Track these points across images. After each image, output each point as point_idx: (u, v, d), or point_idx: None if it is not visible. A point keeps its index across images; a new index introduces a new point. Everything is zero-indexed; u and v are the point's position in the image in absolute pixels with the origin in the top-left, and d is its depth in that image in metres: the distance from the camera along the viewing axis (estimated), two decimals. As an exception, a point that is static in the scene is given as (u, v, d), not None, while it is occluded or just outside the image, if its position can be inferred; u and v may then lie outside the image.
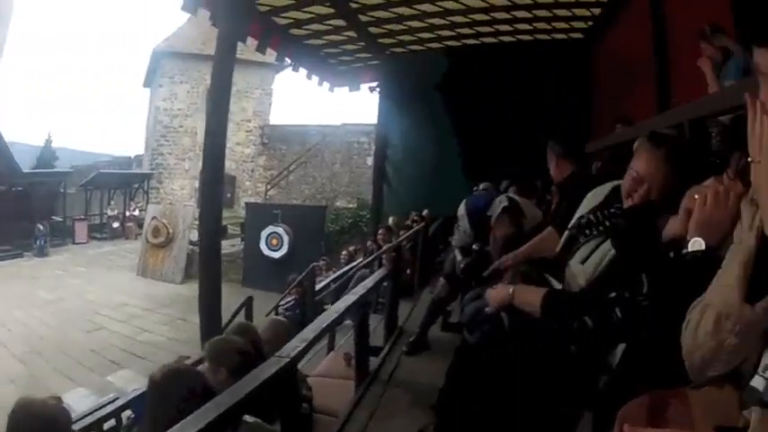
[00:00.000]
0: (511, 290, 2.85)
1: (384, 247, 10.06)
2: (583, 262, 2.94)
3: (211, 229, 7.78)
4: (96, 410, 7.71)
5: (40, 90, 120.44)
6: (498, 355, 2.67)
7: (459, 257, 5.49)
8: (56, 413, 3.66)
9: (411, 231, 10.12)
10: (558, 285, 3.08)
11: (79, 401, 9.43)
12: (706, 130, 4.06)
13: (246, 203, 23.80)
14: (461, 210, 5.74)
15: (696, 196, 1.76)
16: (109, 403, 7.97)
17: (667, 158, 2.58)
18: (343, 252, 15.86)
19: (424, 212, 12.02)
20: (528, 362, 2.48)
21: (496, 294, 2.95)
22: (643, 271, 2.17)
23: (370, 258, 9.98)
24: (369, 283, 5.63)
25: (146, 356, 14.72)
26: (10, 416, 3.57)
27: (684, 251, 1.76)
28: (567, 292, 2.93)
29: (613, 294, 2.15)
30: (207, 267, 7.67)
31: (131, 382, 12.14)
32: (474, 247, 5.34)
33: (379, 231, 12.09)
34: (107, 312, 19.00)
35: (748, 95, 1.30)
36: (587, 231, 3.02)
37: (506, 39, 12.57)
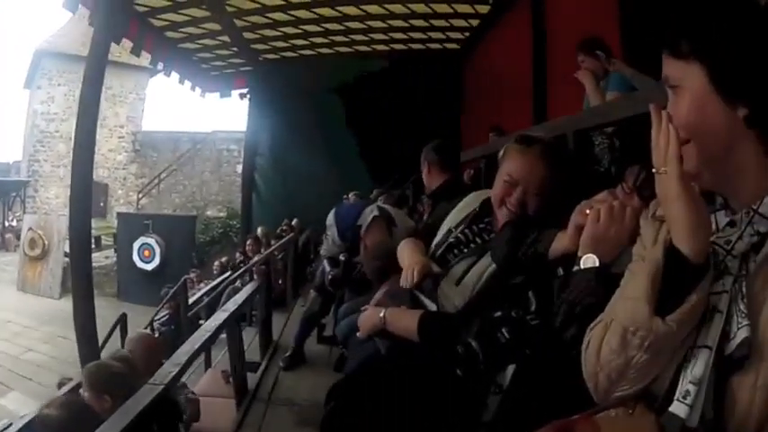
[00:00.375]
0: (382, 314, 2.77)
1: (254, 259, 9.92)
2: (457, 283, 2.80)
3: (82, 241, 7.33)
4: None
5: None
6: (377, 382, 2.49)
7: (327, 269, 5.36)
8: None
9: (281, 242, 10.00)
10: (432, 305, 2.96)
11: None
12: (590, 142, 4.13)
13: (118, 213, 22.94)
14: (330, 219, 5.58)
15: (588, 211, 1.71)
16: (3, 430, 7.47)
17: (542, 156, 2.52)
18: (215, 263, 15.52)
19: (294, 222, 11.95)
20: (410, 388, 2.31)
21: (367, 320, 2.86)
22: (529, 288, 2.13)
23: (240, 271, 9.74)
24: (240, 298, 5.49)
25: (31, 377, 14.05)
26: None
27: (576, 268, 1.69)
28: (446, 314, 2.82)
29: (499, 314, 2.08)
30: (79, 282, 7.23)
31: (23, 405, 11.68)
32: (341, 257, 5.22)
33: (248, 242, 11.99)
34: None
35: (653, 106, 1.28)
36: (456, 251, 2.91)
37: (381, 48, 12.65)
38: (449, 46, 12.45)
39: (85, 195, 7.35)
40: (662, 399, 1.27)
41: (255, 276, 7.10)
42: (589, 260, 1.65)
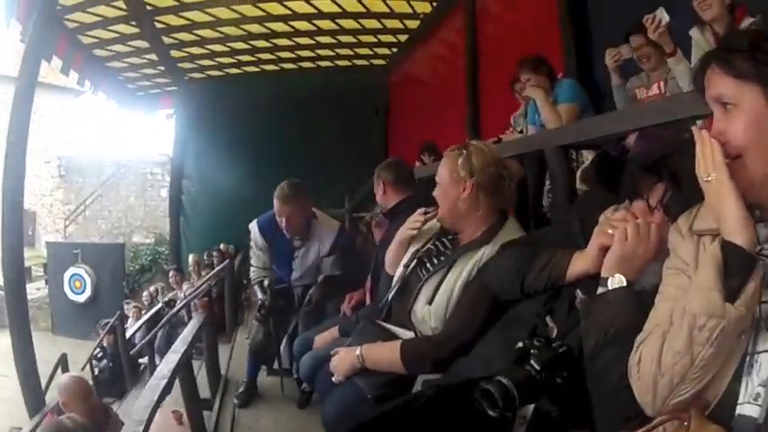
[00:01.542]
0: (358, 352, 2.67)
1: (184, 290, 9.70)
2: (430, 302, 2.74)
3: (15, 274, 6.94)
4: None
5: None
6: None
7: (259, 295, 5.16)
8: None
9: (215, 269, 9.79)
10: (406, 333, 2.82)
11: None
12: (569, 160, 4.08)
13: (47, 243, 21.91)
14: (253, 228, 5.22)
15: (611, 231, 1.72)
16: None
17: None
18: (145, 293, 15.07)
19: (223, 247, 11.77)
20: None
21: (342, 362, 2.75)
22: (546, 314, 2.07)
23: (180, 306, 9.44)
24: (188, 336, 5.20)
25: None
26: None
27: (603, 290, 1.68)
28: (427, 338, 2.71)
29: (521, 345, 1.91)
30: (16, 319, 6.78)
31: None
32: (265, 282, 5.12)
33: (170, 274, 11.97)
34: None
35: (695, 128, 1.41)
36: (428, 265, 2.86)
37: (307, 65, 12.59)
38: (375, 62, 12.49)
39: (17, 224, 6.97)
40: (725, 406, 1.34)
41: (199, 309, 6.83)
42: (616, 280, 1.66)
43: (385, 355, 2.64)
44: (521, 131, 5.72)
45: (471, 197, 2.70)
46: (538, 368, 1.83)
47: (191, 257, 12.20)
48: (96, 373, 10.28)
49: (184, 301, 9.46)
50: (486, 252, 2.66)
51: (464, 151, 2.76)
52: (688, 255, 1.50)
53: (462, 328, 2.60)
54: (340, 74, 12.68)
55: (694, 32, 3.71)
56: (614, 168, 3.99)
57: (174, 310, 9.39)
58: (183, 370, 4.34)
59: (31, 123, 7.14)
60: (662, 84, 4.25)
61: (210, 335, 6.29)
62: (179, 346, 4.60)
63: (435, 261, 2.86)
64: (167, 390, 3.62)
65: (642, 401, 1.43)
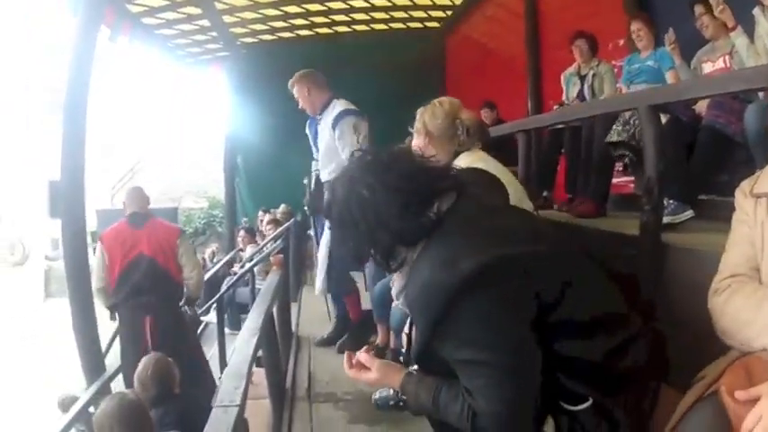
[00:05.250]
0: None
1: (247, 250, 9.76)
2: None
3: (77, 244, 6.96)
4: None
5: None
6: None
7: None
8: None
9: (282, 228, 9.82)
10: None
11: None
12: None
13: (97, 211, 22.45)
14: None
15: None
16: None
17: None
18: (200, 256, 15.25)
19: (282, 208, 11.79)
20: None
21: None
22: None
23: (255, 261, 9.47)
24: (267, 295, 5.24)
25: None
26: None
27: None
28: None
29: None
30: (76, 288, 6.81)
31: None
32: None
33: (241, 234, 12.03)
34: None
35: None
36: None
37: (361, 28, 12.51)
38: (429, 24, 12.38)
39: (78, 194, 7.06)
40: None
41: (273, 266, 6.85)
42: None
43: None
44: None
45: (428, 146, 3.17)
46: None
47: (281, 207, 12.23)
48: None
49: (260, 257, 9.49)
50: None
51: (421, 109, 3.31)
52: (748, 211, 1.80)
53: None
54: (395, 37, 12.54)
55: (756, 12, 3.91)
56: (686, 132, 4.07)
57: (250, 265, 9.42)
58: (267, 327, 4.41)
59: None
60: (727, 58, 4.34)
61: (284, 291, 6.31)
62: (261, 306, 4.65)
63: None
64: (258, 346, 3.68)
65: (742, 335, 1.68)
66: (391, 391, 2.43)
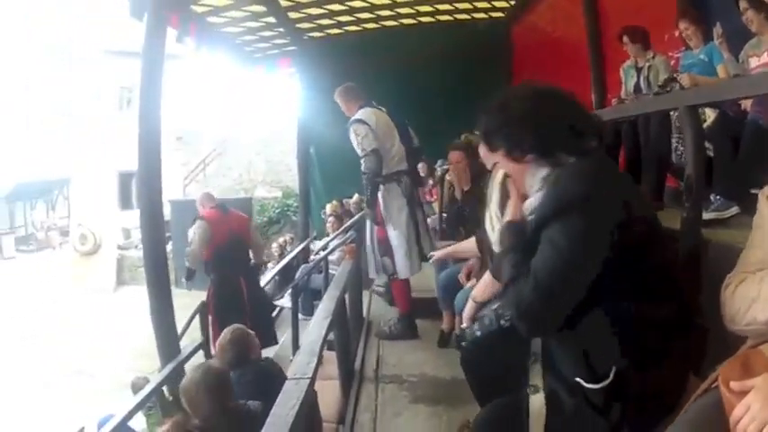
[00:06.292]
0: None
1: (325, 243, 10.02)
2: None
3: (155, 233, 7.33)
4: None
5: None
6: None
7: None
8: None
9: (355, 218, 10.01)
10: None
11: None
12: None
13: (170, 201, 22.88)
14: None
15: None
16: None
17: None
18: (274, 244, 15.58)
19: (355, 198, 12.14)
20: None
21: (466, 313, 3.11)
22: None
23: (329, 250, 9.73)
24: (340, 282, 5.49)
25: (94, 374, 14.34)
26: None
27: None
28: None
29: None
30: (154, 274, 7.17)
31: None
32: None
33: (330, 221, 12.17)
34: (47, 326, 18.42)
35: None
36: None
37: (426, 20, 12.59)
38: (494, 15, 12.39)
39: (155, 186, 7.38)
40: None
41: (346, 255, 7.09)
42: None
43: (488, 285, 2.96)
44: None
45: None
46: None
47: (328, 207, 12.69)
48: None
49: (333, 247, 9.82)
50: None
51: None
52: (765, 214, 1.93)
53: None
54: (460, 27, 12.57)
55: None
56: (735, 126, 4.16)
57: (324, 253, 9.83)
58: (339, 310, 4.66)
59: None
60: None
61: (356, 278, 6.53)
62: (334, 288, 4.91)
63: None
64: (331, 326, 3.96)
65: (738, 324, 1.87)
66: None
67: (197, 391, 3.96)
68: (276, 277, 11.02)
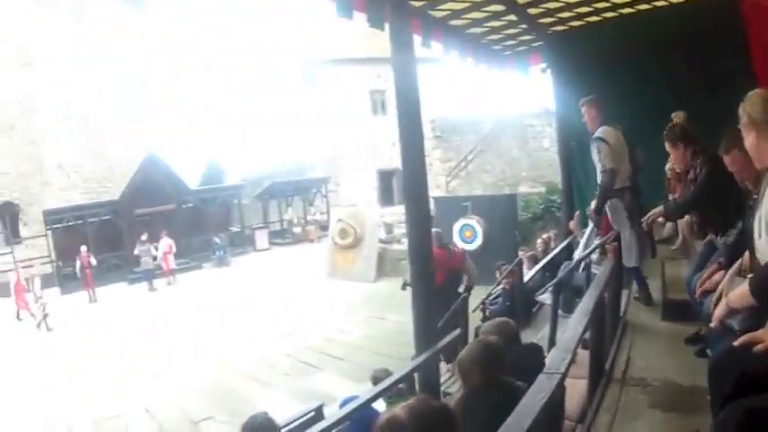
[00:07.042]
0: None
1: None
2: (759, 236, 2.87)
3: (421, 229, 7.84)
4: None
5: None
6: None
7: None
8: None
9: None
10: None
11: (274, 406, 9.55)
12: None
13: (434, 198, 23.52)
14: None
15: None
16: (312, 412, 7.86)
17: None
18: (538, 240, 15.58)
19: None
20: None
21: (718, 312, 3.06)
22: None
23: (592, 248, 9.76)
24: (601, 281, 5.58)
25: (344, 358, 14.91)
26: None
27: None
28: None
29: None
30: (419, 268, 7.70)
31: (330, 385, 12.63)
32: None
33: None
34: (299, 315, 19.66)
35: None
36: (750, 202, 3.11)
37: (660, 4, 12.01)
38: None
39: (419, 182, 8.02)
40: None
41: (608, 254, 7.16)
42: None
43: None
44: None
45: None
46: None
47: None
48: (487, 314, 11.29)
49: (595, 246, 9.81)
50: None
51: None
52: None
53: None
54: (694, 8, 11.88)
55: None
56: None
57: (587, 252, 9.66)
58: (597, 311, 4.77)
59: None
60: None
61: (616, 278, 6.59)
62: (594, 288, 5.04)
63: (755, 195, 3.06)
64: (588, 326, 4.11)
65: None
66: None
67: (471, 361, 4.14)
68: (538, 274, 11.12)
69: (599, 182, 7.32)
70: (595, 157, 7.18)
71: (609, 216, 7.47)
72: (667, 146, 6.04)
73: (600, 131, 7.26)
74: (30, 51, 33.97)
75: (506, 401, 3.60)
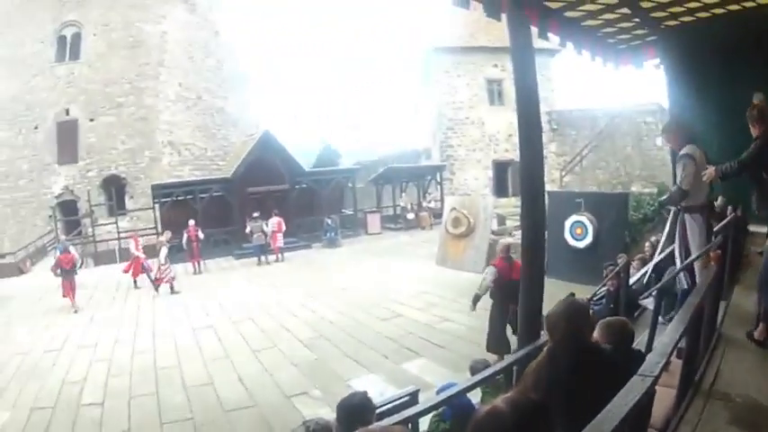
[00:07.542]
0: None
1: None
2: None
3: (535, 221, 7.84)
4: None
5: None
6: None
7: None
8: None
9: (725, 221, 9.59)
10: None
11: (371, 388, 9.57)
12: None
13: (548, 192, 23.43)
14: None
15: None
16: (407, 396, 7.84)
17: None
18: (647, 243, 15.16)
19: (719, 201, 11.34)
20: None
21: None
22: None
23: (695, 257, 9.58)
24: (701, 290, 5.50)
25: (444, 346, 14.72)
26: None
27: None
28: None
29: None
30: (531, 261, 7.80)
31: (427, 372, 12.52)
32: None
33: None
34: (404, 300, 19.44)
35: None
36: None
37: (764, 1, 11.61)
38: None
39: (536, 174, 7.91)
40: None
41: (711, 261, 7.03)
42: None
43: None
44: None
45: None
46: None
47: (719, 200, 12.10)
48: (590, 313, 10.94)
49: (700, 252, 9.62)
50: None
51: None
52: None
53: None
54: None
55: None
56: None
57: (691, 259, 9.56)
58: (692, 318, 4.70)
59: (513, 85, 8.10)
60: None
61: (716, 287, 6.41)
62: (695, 296, 5.00)
63: None
64: (683, 335, 4.08)
65: None
66: None
67: (557, 315, 4.22)
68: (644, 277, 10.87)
69: (668, 195, 8.12)
70: (680, 174, 7.41)
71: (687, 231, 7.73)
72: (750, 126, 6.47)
73: (687, 149, 7.41)
74: (141, 34, 36.55)
75: (589, 356, 3.87)
